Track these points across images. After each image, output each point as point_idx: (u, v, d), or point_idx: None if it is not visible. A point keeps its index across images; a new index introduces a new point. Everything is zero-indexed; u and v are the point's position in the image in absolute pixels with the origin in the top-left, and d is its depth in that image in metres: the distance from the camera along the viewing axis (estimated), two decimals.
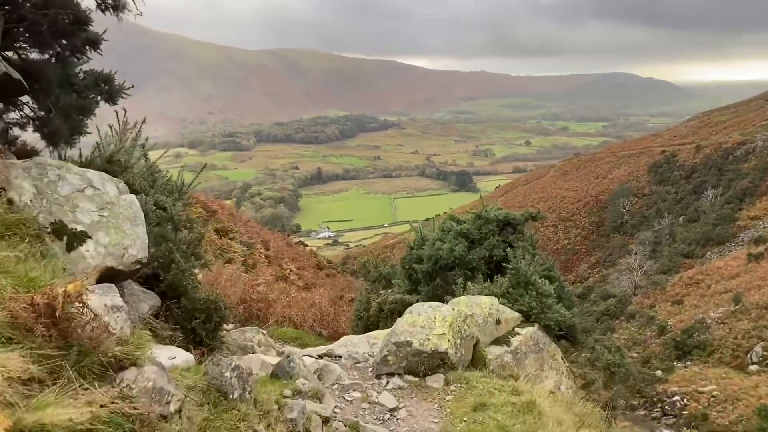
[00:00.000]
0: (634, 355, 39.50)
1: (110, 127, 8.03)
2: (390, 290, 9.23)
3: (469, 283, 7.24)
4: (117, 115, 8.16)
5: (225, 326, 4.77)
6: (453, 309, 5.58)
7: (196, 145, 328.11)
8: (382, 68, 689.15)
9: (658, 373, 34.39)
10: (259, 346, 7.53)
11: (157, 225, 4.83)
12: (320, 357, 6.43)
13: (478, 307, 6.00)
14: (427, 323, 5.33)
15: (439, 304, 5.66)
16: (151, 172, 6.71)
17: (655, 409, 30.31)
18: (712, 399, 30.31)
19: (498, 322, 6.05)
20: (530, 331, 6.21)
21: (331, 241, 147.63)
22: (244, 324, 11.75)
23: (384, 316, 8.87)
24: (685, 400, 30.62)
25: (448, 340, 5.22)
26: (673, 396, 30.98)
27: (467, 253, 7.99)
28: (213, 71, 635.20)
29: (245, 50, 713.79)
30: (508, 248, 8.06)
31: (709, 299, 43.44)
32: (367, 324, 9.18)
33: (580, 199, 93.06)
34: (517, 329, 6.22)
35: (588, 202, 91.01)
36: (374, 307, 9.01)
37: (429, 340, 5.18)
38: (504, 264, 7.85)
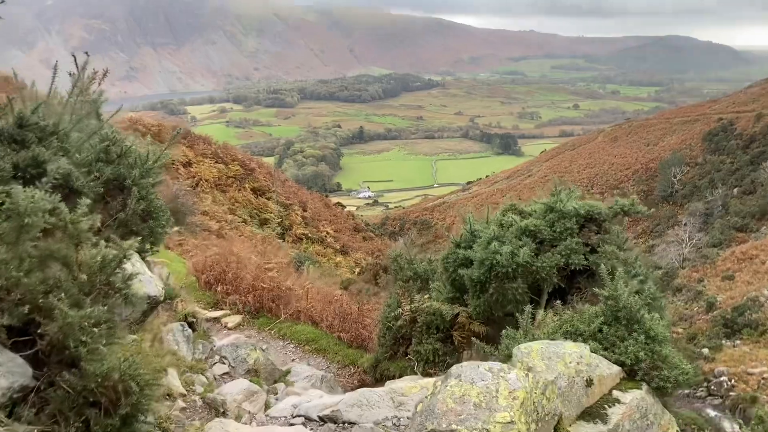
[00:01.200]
0: (680, 330, 37.88)
1: (70, 74, 6.11)
2: (427, 295, 7.17)
3: (540, 313, 5.10)
4: (75, 61, 6.24)
5: (142, 416, 2.76)
6: (526, 374, 3.50)
7: (240, 100, 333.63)
8: (428, 26, 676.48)
9: (705, 351, 32.93)
10: (251, 379, 5.65)
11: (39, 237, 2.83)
12: (322, 421, 4.48)
13: (560, 361, 3.91)
14: (485, 400, 3.28)
15: (503, 367, 3.56)
16: (102, 140, 4.68)
17: (700, 389, 29.04)
18: (762, 381, 29.19)
19: (589, 383, 3.96)
20: (636, 396, 4.08)
21: (371, 201, 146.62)
22: (255, 316, 9.92)
23: (418, 330, 6.84)
24: (733, 381, 29.44)
25: (518, 431, 3.18)
26: (720, 376, 29.59)
27: (534, 259, 5.83)
28: (258, 27, 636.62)
29: (290, 6, 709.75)
30: (591, 253, 5.90)
31: (763, 276, 41.33)
32: (396, 336, 7.17)
33: (629, 167, 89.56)
34: (616, 393, 4.11)
35: (637, 169, 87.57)
36: (406, 315, 6.99)
37: (488, 431, 3.16)
38: (584, 278, 5.69)
